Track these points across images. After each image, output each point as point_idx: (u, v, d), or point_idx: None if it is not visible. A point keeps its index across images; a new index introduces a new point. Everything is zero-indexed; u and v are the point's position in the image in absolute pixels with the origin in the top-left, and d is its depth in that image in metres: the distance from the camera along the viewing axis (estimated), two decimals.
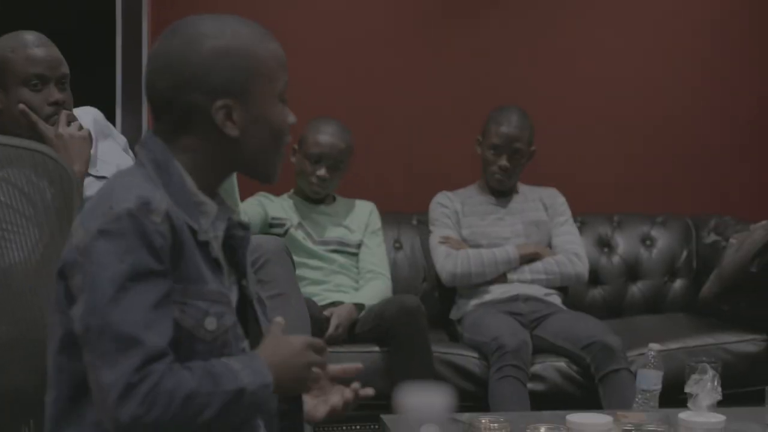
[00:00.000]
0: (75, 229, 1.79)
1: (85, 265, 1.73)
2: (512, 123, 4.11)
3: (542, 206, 4.23)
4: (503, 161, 4.10)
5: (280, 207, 3.99)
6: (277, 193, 4.03)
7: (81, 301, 1.73)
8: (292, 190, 4.10)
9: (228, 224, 1.92)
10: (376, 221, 4.11)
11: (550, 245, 4.17)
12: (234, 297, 1.92)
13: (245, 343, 1.90)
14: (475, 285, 4.07)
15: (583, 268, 4.12)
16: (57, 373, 1.80)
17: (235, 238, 1.92)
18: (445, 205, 4.21)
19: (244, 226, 1.95)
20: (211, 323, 1.80)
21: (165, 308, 1.73)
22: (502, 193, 4.21)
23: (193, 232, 1.81)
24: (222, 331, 1.82)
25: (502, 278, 4.07)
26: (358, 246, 4.03)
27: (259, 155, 1.89)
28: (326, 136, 3.98)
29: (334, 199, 4.11)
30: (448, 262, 4.07)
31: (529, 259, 4.09)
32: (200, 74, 1.81)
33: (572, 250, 4.13)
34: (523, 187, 4.26)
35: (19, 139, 2.34)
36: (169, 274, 1.75)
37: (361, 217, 4.08)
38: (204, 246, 1.83)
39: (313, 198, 4.03)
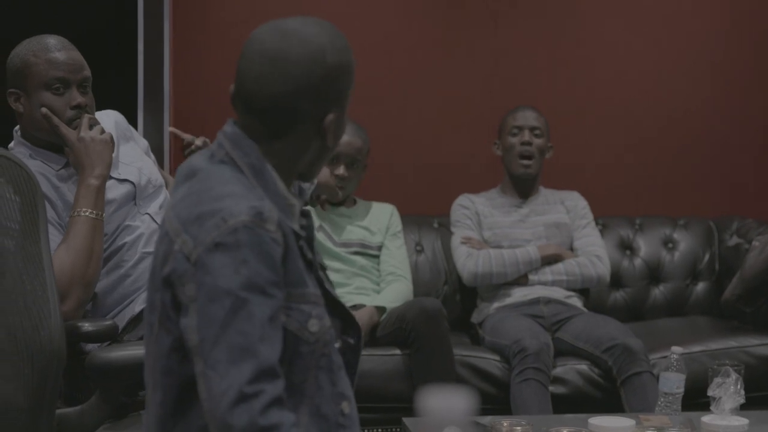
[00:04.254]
0: (175, 233, 1.79)
1: (199, 275, 1.74)
2: (527, 110, 4.19)
3: (564, 209, 4.22)
4: (525, 137, 4.12)
5: None
6: None
7: (194, 311, 1.74)
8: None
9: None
10: (397, 223, 4.11)
11: (571, 248, 4.16)
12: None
13: (338, 343, 1.92)
14: (496, 285, 4.07)
15: (604, 270, 4.10)
16: (164, 375, 1.81)
17: (309, 229, 1.93)
18: (466, 207, 4.21)
19: (307, 214, 1.94)
20: (314, 325, 1.83)
21: (278, 322, 1.75)
22: (524, 194, 4.21)
23: (297, 237, 1.83)
24: (323, 332, 1.85)
25: (523, 279, 4.06)
26: (379, 248, 4.03)
27: (326, 158, 1.96)
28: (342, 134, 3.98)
29: (354, 201, 4.11)
30: (469, 261, 4.06)
31: (550, 260, 4.08)
32: (320, 87, 1.85)
33: (594, 252, 4.12)
34: (544, 191, 4.25)
35: None
36: (282, 283, 1.77)
37: (382, 220, 4.08)
38: (300, 248, 1.85)
39: (331, 200, 4.03)
